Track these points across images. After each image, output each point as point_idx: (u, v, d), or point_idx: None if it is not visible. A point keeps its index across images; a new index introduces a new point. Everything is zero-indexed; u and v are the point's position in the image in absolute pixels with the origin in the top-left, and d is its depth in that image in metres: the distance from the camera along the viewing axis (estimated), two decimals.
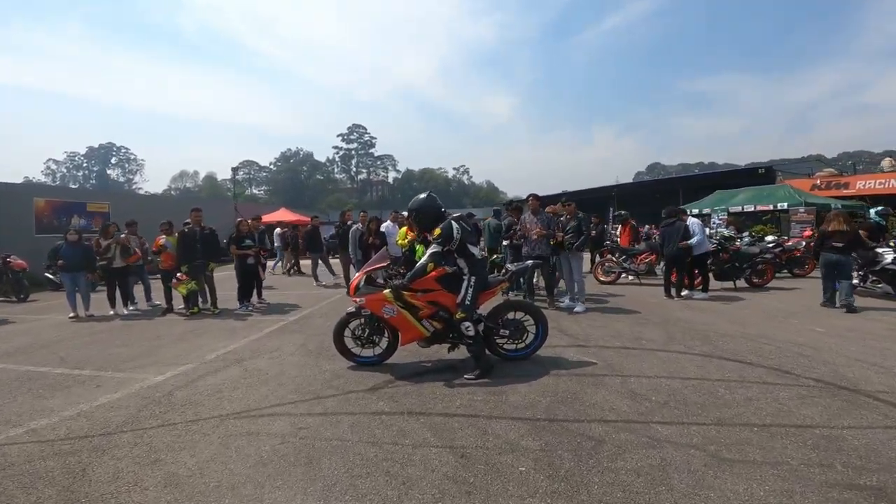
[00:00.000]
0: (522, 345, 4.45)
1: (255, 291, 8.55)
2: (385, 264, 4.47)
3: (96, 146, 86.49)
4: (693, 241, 7.58)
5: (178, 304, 8.06)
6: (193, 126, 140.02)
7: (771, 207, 14.49)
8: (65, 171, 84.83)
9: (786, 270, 10.50)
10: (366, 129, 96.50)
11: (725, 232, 9.68)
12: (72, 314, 7.91)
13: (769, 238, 11.52)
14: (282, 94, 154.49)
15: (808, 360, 4.31)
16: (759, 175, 19.69)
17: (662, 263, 8.48)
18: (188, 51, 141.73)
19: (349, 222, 10.24)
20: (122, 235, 8.45)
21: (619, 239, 11.41)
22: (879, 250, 7.62)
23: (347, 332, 4.51)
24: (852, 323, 5.80)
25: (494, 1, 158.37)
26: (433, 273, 4.12)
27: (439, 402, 3.55)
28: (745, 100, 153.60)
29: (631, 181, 46.55)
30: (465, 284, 4.08)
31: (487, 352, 4.30)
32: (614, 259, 9.91)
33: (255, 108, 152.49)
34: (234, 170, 27.25)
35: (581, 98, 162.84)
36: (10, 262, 10.99)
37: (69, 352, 5.63)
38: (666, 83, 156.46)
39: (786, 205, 13.90)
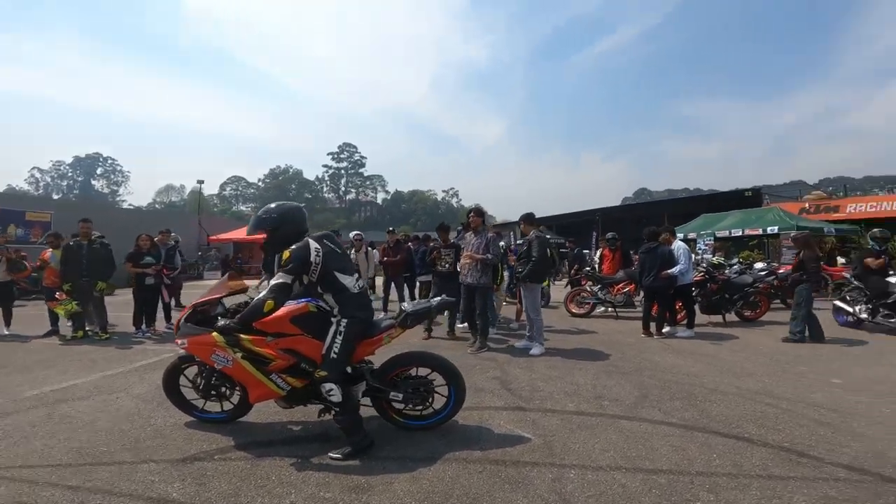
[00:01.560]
0: (430, 411, 3.14)
1: (162, 315, 7.25)
2: (223, 294, 3.16)
3: (83, 156, 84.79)
4: (676, 269, 6.40)
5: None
6: (184, 139, 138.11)
7: (760, 232, 13.39)
8: (49, 180, 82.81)
9: (778, 301, 9.39)
10: (356, 148, 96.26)
11: (713, 259, 8.52)
12: None
13: (759, 265, 10.41)
14: (273, 109, 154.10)
15: (832, 431, 3.06)
16: (745, 198, 18.73)
17: (642, 294, 7.23)
18: (183, 63, 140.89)
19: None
20: (13, 248, 7.30)
21: (600, 266, 10.13)
22: (893, 280, 6.48)
23: (185, 381, 3.24)
24: (874, 372, 4.57)
25: (486, 23, 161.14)
26: (285, 311, 2.86)
27: (261, 496, 2.27)
28: (730, 125, 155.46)
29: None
30: (332, 330, 2.81)
31: (380, 418, 3.10)
32: (589, 289, 8.67)
33: (247, 124, 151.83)
34: (201, 182, 25.67)
35: (571, 121, 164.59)
36: None
37: None
38: (654, 107, 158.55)
39: (776, 228, 12.82)
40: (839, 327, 7.15)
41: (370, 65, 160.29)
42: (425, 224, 72.69)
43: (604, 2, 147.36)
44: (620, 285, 8.32)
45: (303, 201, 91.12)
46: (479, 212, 6.03)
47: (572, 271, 12.04)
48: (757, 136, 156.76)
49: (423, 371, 3.16)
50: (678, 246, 6.73)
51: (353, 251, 8.06)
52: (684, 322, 6.79)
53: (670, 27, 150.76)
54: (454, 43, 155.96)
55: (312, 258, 2.72)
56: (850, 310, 7.03)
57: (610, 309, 8.46)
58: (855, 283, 7.08)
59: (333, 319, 2.83)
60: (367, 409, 3.07)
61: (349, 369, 2.96)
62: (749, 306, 7.67)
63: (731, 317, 7.69)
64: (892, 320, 6.48)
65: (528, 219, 5.87)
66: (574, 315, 8.40)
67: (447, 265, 6.44)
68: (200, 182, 26.43)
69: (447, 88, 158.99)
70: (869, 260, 6.83)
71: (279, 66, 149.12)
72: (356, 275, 2.96)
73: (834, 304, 7.45)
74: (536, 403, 3.74)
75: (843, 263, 12.25)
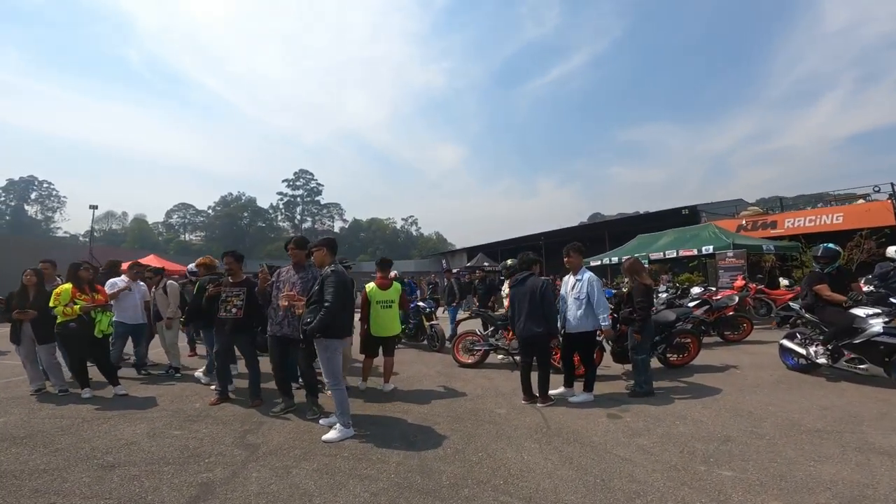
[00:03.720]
0: None
1: None
2: None
3: (17, 179, 77.70)
4: (602, 321, 4.52)
5: None
6: (128, 163, 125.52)
7: (695, 252, 11.99)
8: None
9: (714, 333, 7.82)
10: (313, 175, 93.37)
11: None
12: None
13: (695, 291, 8.85)
14: (226, 134, 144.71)
15: None
16: (682, 217, 17.65)
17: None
18: (131, 82, 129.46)
19: None
20: None
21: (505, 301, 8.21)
22: (860, 313, 4.87)
23: None
24: (846, 470, 2.77)
25: (443, 48, 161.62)
26: None
27: None
28: (672, 149, 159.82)
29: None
30: None
31: None
32: (479, 333, 6.77)
33: (198, 148, 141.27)
34: (93, 207, 22.30)
35: (526, 147, 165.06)
36: None
37: None
38: (602, 133, 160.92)
39: (711, 248, 11.43)
40: (788, 371, 5.53)
41: (328, 90, 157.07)
42: (384, 253, 69.88)
43: (556, 28, 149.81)
44: None
45: (255, 230, 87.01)
46: (300, 242, 4.33)
47: (489, 305, 9.64)
48: (697, 159, 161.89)
49: None
50: (587, 277, 4.62)
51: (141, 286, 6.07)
52: (584, 378, 4.92)
53: (615, 53, 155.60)
54: (412, 68, 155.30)
55: None
56: (802, 351, 5.41)
57: (503, 356, 6.56)
58: (807, 315, 5.49)
59: None
60: None
61: None
62: (675, 349, 5.94)
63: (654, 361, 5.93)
64: (863, 366, 4.82)
65: (330, 245, 3.89)
66: (462, 365, 6.44)
67: (234, 309, 4.45)
68: (94, 207, 23.25)
69: (404, 113, 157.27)
70: (820, 287, 5.24)
71: (233, 89, 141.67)
72: None
73: (780, 344, 5.82)
74: None
75: (786, 286, 10.96)
